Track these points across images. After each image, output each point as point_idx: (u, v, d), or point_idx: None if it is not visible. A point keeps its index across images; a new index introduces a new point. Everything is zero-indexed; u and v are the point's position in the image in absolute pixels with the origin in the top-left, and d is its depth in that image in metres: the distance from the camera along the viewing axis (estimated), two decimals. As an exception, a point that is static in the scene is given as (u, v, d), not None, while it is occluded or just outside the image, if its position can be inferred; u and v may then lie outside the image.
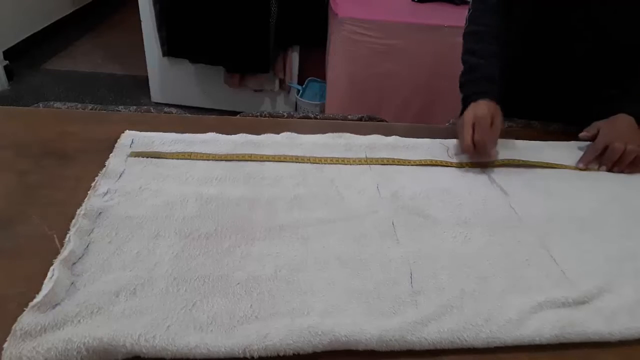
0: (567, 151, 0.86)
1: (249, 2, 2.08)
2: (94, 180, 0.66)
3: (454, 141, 0.85)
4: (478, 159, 0.80)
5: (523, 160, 0.81)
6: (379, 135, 0.84)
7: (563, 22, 0.88)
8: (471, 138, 0.78)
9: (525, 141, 0.88)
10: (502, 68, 0.88)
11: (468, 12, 0.97)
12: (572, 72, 0.91)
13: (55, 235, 0.56)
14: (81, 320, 0.46)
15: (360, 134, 0.83)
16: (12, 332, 0.43)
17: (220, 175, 0.70)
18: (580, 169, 0.81)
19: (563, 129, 0.94)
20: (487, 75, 0.87)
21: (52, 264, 0.51)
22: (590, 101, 0.92)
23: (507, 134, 0.90)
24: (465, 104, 0.85)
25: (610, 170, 0.82)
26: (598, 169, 0.82)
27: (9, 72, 2.64)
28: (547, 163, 0.82)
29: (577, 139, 0.87)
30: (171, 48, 2.31)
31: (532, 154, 0.84)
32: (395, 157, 0.78)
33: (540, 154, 0.84)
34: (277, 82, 2.42)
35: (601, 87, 0.92)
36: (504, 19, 0.92)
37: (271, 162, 0.74)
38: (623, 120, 0.83)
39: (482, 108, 0.80)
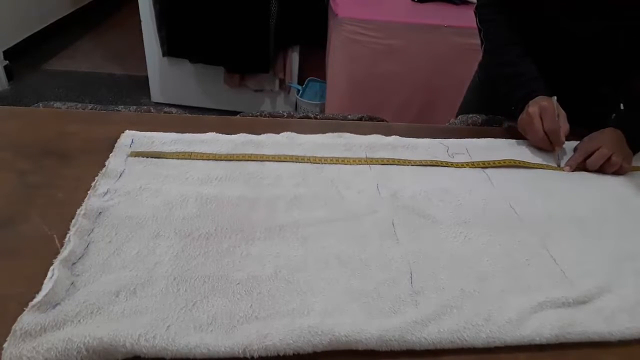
0: (567, 151, 0.86)
1: (249, 2, 2.08)
2: (94, 180, 0.66)
3: (453, 141, 0.85)
4: (547, 145, 0.83)
5: (522, 161, 0.81)
6: (379, 135, 0.84)
7: (560, 25, 0.89)
8: (542, 129, 0.82)
9: (524, 141, 0.88)
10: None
11: (480, 33, 1.00)
12: (569, 70, 0.91)
13: (55, 235, 0.56)
14: (81, 320, 0.46)
15: (360, 134, 0.83)
16: (12, 332, 0.43)
17: (220, 175, 0.70)
18: (566, 171, 0.82)
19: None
20: (531, 75, 0.89)
21: (52, 264, 0.51)
22: (585, 100, 0.92)
23: (507, 134, 0.90)
24: (520, 107, 0.86)
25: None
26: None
27: (9, 72, 2.64)
28: (547, 165, 0.82)
29: (577, 139, 0.87)
30: (171, 48, 2.32)
31: (531, 154, 0.84)
32: (395, 157, 0.78)
33: (539, 154, 0.84)
34: (277, 82, 2.42)
35: (596, 85, 0.93)
36: (511, 26, 0.94)
37: (271, 162, 0.74)
38: (613, 132, 0.84)
39: (544, 99, 0.84)
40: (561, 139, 0.82)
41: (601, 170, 0.81)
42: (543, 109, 0.82)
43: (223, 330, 0.47)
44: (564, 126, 0.82)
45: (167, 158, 0.73)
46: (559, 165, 0.83)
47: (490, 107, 1.01)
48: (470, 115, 1.00)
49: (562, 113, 0.83)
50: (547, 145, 0.83)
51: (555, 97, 0.84)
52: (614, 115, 0.95)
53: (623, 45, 0.86)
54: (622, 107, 0.98)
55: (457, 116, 1.09)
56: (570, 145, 0.87)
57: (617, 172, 0.81)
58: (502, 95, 0.93)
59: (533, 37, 0.92)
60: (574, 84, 0.92)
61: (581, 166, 0.82)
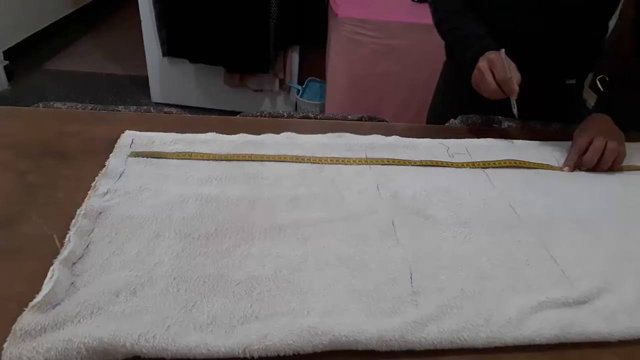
0: (567, 151, 0.86)
1: (249, 2, 2.08)
2: (94, 180, 0.66)
3: (454, 141, 0.85)
4: (501, 96, 0.83)
5: (522, 161, 0.81)
6: (379, 135, 0.84)
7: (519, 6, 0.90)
8: (494, 81, 0.82)
9: (524, 141, 0.88)
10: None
11: (430, 6, 1.01)
12: (533, 60, 0.91)
13: (55, 235, 0.56)
14: (81, 320, 0.46)
15: (360, 134, 0.83)
16: (12, 332, 0.43)
17: (220, 175, 0.70)
18: (566, 171, 0.81)
19: (563, 128, 0.94)
20: (480, 34, 0.91)
21: (52, 264, 0.51)
22: (551, 92, 0.92)
23: (506, 134, 0.90)
24: (472, 65, 0.87)
25: (591, 170, 0.81)
26: (579, 169, 0.82)
27: (9, 72, 2.64)
28: (547, 165, 0.82)
29: (547, 136, 0.88)
30: (171, 48, 2.32)
31: (531, 154, 0.84)
32: (395, 157, 0.78)
33: (539, 154, 0.85)
34: (277, 82, 2.42)
35: (561, 76, 0.95)
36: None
37: (271, 162, 0.74)
38: (602, 119, 0.84)
39: (491, 53, 0.85)
40: (514, 87, 0.82)
41: (601, 161, 0.80)
42: (491, 62, 0.83)
43: (223, 330, 0.47)
44: (516, 75, 0.83)
45: (167, 158, 0.73)
46: (516, 116, 0.84)
47: (462, 108, 1.01)
48: (470, 115, 1.00)
49: (512, 64, 0.84)
50: (500, 95, 0.84)
51: (504, 50, 0.85)
52: (596, 99, 0.96)
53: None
54: (599, 86, 0.99)
55: (427, 121, 1.09)
56: (567, 145, 0.87)
57: (617, 159, 0.81)
58: (456, 61, 0.94)
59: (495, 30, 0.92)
60: (541, 78, 0.92)
61: (579, 162, 0.82)
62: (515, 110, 0.85)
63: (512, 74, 0.82)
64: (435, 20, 1.00)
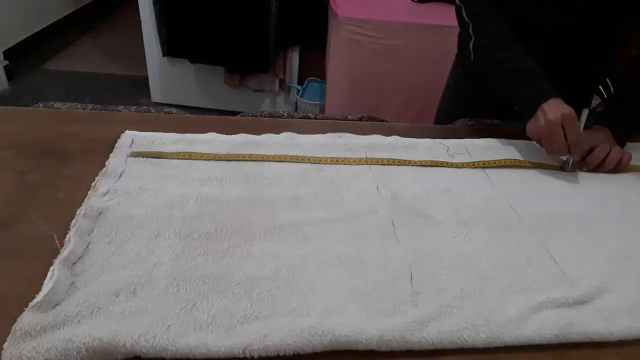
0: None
1: (249, 2, 2.08)
2: (94, 180, 0.66)
3: (454, 141, 0.85)
4: (566, 154, 0.79)
5: (522, 160, 0.81)
6: (379, 135, 0.84)
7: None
8: (565, 139, 0.76)
9: (524, 141, 0.88)
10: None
11: (468, 28, 0.91)
12: (560, 59, 0.88)
13: (55, 235, 0.56)
14: (81, 320, 0.46)
15: (360, 134, 0.83)
16: (12, 332, 0.43)
17: (220, 175, 0.70)
18: (567, 171, 0.81)
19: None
20: (539, 73, 0.82)
21: (52, 264, 0.51)
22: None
23: (506, 134, 0.90)
24: (529, 108, 0.80)
25: (591, 171, 0.82)
26: (580, 169, 0.82)
27: (9, 72, 2.64)
28: (548, 165, 0.82)
29: None
30: (171, 48, 2.32)
31: (531, 154, 0.84)
32: (395, 157, 0.78)
33: (539, 154, 0.84)
34: (277, 82, 2.42)
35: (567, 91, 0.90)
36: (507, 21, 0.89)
37: (271, 162, 0.74)
38: (602, 131, 0.84)
39: (564, 106, 0.76)
40: (581, 151, 0.79)
41: (602, 166, 0.81)
42: (566, 118, 0.75)
43: (223, 330, 0.47)
44: (583, 134, 0.78)
45: (167, 158, 0.73)
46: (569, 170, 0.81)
47: (474, 110, 0.99)
48: (469, 119, 1.00)
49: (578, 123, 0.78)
50: (565, 154, 0.78)
51: (587, 111, 0.79)
52: (599, 110, 0.95)
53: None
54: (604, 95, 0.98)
55: (435, 123, 1.07)
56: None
57: (619, 165, 0.81)
58: (501, 95, 0.87)
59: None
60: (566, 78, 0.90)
61: (582, 163, 0.82)
62: (569, 167, 0.81)
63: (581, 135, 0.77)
64: (474, 44, 0.90)
